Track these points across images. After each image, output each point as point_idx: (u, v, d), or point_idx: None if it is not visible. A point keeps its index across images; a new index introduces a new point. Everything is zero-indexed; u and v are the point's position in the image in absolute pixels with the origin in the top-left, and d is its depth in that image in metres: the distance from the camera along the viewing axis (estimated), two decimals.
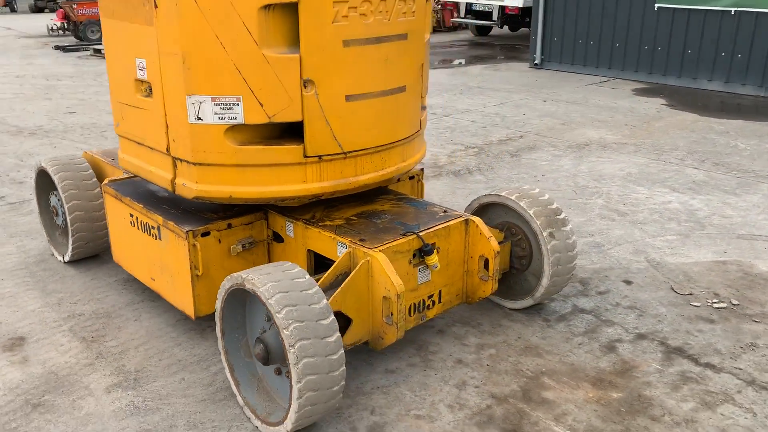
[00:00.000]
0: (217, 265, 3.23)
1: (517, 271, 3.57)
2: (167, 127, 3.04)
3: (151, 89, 3.08)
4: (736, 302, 3.76)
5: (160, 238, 3.32)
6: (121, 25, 3.16)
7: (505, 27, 16.09)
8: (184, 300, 3.25)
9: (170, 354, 3.26)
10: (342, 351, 2.52)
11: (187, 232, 3.10)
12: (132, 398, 2.92)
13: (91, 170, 4.10)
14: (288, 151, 2.97)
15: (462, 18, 16.27)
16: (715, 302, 3.76)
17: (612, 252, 4.41)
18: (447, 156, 6.65)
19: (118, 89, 3.35)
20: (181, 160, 3.05)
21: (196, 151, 2.97)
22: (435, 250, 3.09)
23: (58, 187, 3.96)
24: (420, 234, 3.06)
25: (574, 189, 5.65)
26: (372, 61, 3.02)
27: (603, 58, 11.23)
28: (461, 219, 3.25)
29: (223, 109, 2.87)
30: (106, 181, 3.77)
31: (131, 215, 3.51)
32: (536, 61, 12.05)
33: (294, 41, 2.84)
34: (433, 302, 3.23)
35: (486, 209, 3.70)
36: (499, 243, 3.47)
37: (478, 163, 6.41)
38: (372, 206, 3.40)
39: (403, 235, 3.04)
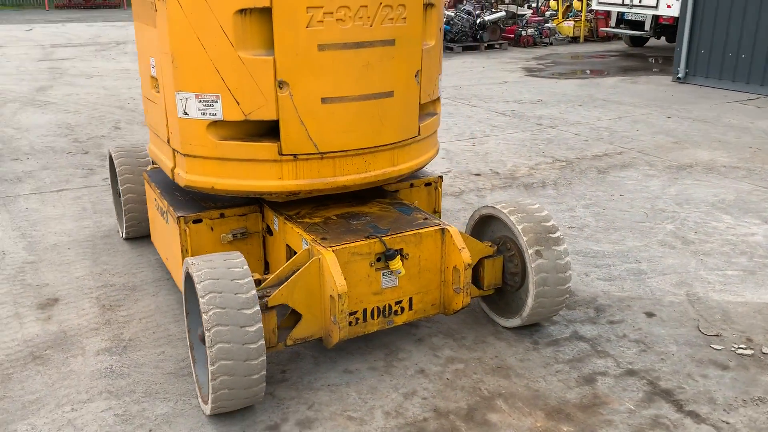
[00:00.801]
0: (209, 251, 3.46)
1: (510, 288, 3.44)
2: (167, 120, 3.32)
3: (158, 85, 3.39)
4: (767, 351, 3.32)
5: (167, 222, 3.62)
6: (141, 26, 3.51)
7: (663, 38, 15.06)
8: (179, 280, 3.52)
9: (165, 329, 3.54)
10: (262, 342, 2.62)
11: (178, 217, 3.36)
12: (112, 362, 3.24)
13: (149, 157, 4.54)
14: (264, 148, 3.12)
15: (613, 28, 15.47)
16: (741, 348, 3.35)
17: (651, 281, 4.06)
18: (528, 168, 6.44)
19: (143, 84, 3.71)
20: (176, 151, 3.32)
21: (184, 143, 3.22)
22: (399, 256, 3.08)
23: (117, 170, 4.44)
24: (383, 238, 3.07)
25: (648, 212, 5.24)
26: (350, 65, 3.08)
27: (755, 74, 10.17)
28: (436, 228, 3.21)
29: (205, 105, 3.09)
30: (147, 168, 4.17)
31: (155, 200, 3.87)
32: (679, 75, 11.18)
33: (270, 44, 2.98)
34: (402, 309, 3.21)
35: (488, 222, 3.60)
36: (489, 257, 3.39)
37: (558, 177, 6.14)
38: (359, 208, 3.45)
39: (367, 237, 3.07)
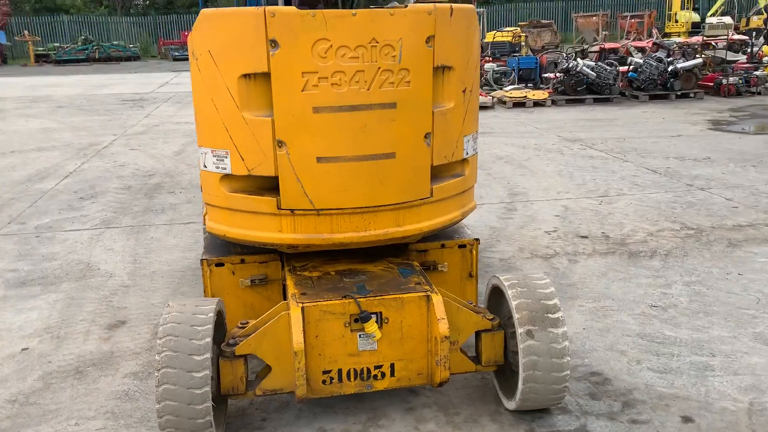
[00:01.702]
0: (230, 293, 3.69)
1: (514, 366, 3.20)
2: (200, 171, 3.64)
3: None
4: None
5: None
6: None
7: None
8: None
9: None
10: (207, 388, 2.75)
11: (202, 260, 3.64)
12: (131, 386, 3.57)
13: None
14: (265, 202, 3.28)
15: None
16: None
17: (713, 380, 3.50)
18: (647, 234, 5.87)
19: None
20: (205, 201, 3.62)
21: (205, 193, 3.50)
22: (374, 319, 3.04)
23: None
24: (359, 300, 3.05)
25: (762, 298, 4.50)
26: (345, 127, 3.14)
27: None
28: (420, 294, 3.11)
29: (218, 159, 3.34)
30: None
31: None
32: None
33: (270, 106, 3.15)
34: (383, 374, 3.14)
35: (502, 293, 3.39)
36: (488, 332, 3.20)
37: (675, 247, 5.52)
38: (363, 266, 3.45)
39: (344, 297, 3.07)
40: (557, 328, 3.00)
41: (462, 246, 3.84)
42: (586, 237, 5.84)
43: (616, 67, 15.24)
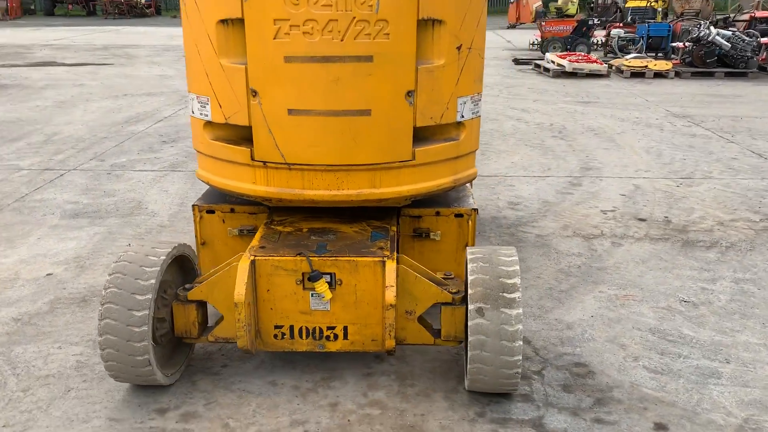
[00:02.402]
0: (220, 241, 3.73)
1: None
2: None
3: None
4: None
5: None
6: None
7: None
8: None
9: None
10: (146, 327, 2.81)
11: (193, 205, 3.70)
12: None
13: None
14: (240, 152, 3.26)
15: None
16: None
17: (712, 390, 3.10)
18: (717, 222, 5.28)
19: None
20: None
21: (194, 139, 3.53)
22: (324, 280, 2.95)
23: None
24: (312, 258, 2.97)
25: None
26: (317, 79, 3.02)
27: None
28: (375, 259, 2.97)
29: (201, 106, 3.35)
30: None
31: None
32: None
33: (244, 53, 3.10)
34: (336, 336, 3.06)
35: None
36: (449, 305, 3.02)
37: (743, 240, 4.92)
38: (337, 225, 3.36)
39: (298, 255, 3.01)
40: (511, 309, 2.77)
41: (459, 215, 3.63)
42: (644, 220, 5.34)
43: (757, 38, 13.69)
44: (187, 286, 3.10)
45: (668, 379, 3.19)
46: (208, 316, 3.22)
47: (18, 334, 3.57)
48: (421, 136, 3.28)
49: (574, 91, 11.87)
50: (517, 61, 16.01)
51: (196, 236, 3.73)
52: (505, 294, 2.80)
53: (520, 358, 2.78)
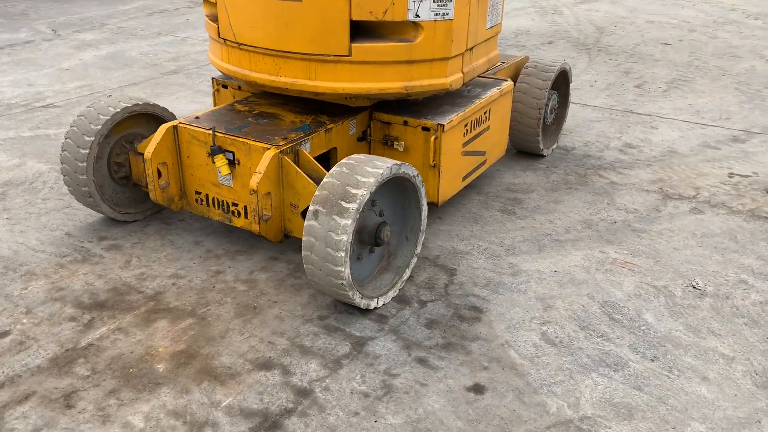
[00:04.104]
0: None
1: None
2: None
3: None
4: None
5: None
6: None
7: None
8: None
9: None
10: (84, 164, 3.32)
11: (212, 79, 4.06)
12: None
13: None
14: (213, 28, 3.49)
15: None
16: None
17: (582, 383, 2.58)
18: None
19: None
20: None
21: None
22: (223, 156, 3.12)
23: None
24: (217, 134, 3.14)
25: None
26: None
27: None
28: (264, 145, 3.02)
29: None
30: None
31: None
32: None
33: None
34: (239, 213, 3.24)
35: None
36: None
37: None
38: (289, 114, 3.43)
39: (209, 129, 3.19)
40: (342, 218, 2.63)
41: (426, 129, 3.40)
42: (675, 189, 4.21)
43: None
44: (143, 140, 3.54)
45: (554, 351, 2.71)
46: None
47: None
48: (363, 32, 3.12)
49: None
50: None
51: (213, 104, 4.11)
52: (342, 202, 2.66)
53: (342, 268, 2.65)
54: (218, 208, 3.31)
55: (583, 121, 5.46)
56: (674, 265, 3.37)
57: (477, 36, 3.49)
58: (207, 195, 3.33)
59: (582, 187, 4.22)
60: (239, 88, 3.94)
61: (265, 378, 2.53)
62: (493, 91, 3.86)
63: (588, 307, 3.01)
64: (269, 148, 3.01)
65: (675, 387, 2.54)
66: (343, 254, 2.64)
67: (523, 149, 4.66)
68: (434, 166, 3.44)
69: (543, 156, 4.68)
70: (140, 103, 3.52)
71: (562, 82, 4.78)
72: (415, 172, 2.97)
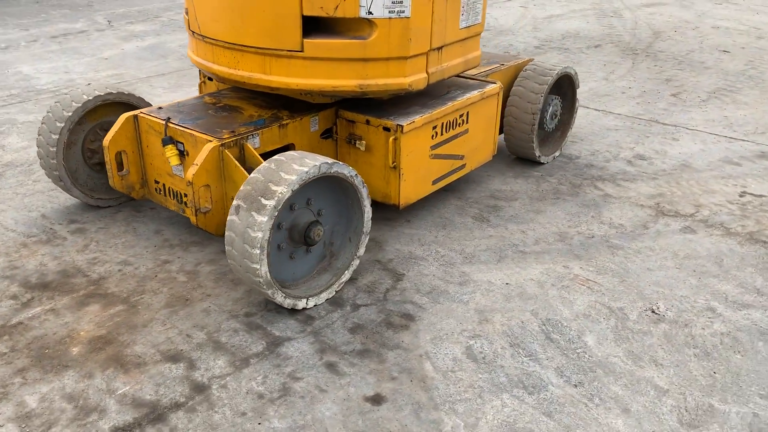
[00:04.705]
0: None
1: None
2: None
3: None
4: None
5: None
6: None
7: None
8: None
9: None
10: (54, 148, 3.44)
11: (200, 71, 4.11)
12: None
13: None
14: (186, 21, 3.53)
15: None
16: None
17: (487, 404, 2.44)
18: None
19: None
20: None
21: None
22: (173, 146, 3.15)
23: None
24: (169, 125, 3.17)
25: None
26: None
27: None
28: (206, 137, 3.03)
29: None
30: None
31: None
32: None
33: None
34: (188, 204, 3.26)
35: None
36: None
37: None
38: (251, 108, 3.43)
39: (164, 119, 3.23)
40: (260, 215, 2.60)
41: (387, 129, 3.31)
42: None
43: None
44: None
45: (473, 367, 2.58)
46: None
47: None
48: (316, 27, 3.07)
49: None
50: None
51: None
52: (261, 198, 2.63)
53: (258, 266, 2.62)
54: (173, 198, 3.35)
55: (600, 129, 5.20)
56: (640, 287, 3.14)
57: (446, 36, 3.37)
58: (164, 185, 3.37)
59: (571, 198, 4.01)
60: (223, 80, 3.97)
61: (169, 370, 2.54)
62: (473, 94, 3.72)
63: (527, 323, 2.85)
64: (211, 141, 3.01)
65: (589, 417, 2.36)
66: (258, 251, 2.61)
67: (520, 155, 4.47)
68: (394, 168, 3.35)
69: (541, 163, 4.48)
70: (114, 92, 3.61)
71: (567, 87, 4.56)
72: (353, 173, 2.90)
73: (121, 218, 3.67)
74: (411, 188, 3.47)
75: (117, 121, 3.32)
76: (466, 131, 3.76)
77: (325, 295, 2.97)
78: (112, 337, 2.72)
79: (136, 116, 3.34)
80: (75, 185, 3.62)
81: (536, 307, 2.97)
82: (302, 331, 2.78)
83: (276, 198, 2.61)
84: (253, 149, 3.09)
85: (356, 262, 3.10)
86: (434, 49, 3.34)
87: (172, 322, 2.82)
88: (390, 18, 3.06)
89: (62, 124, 3.46)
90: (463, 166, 3.84)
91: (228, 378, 2.51)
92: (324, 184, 2.92)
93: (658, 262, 3.35)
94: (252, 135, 3.13)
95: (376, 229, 3.61)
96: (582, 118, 5.43)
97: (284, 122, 3.28)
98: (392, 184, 3.40)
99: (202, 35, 3.32)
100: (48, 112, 3.53)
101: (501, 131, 4.38)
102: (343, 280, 3.05)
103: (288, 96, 3.43)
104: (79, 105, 3.48)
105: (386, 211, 3.75)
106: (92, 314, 2.85)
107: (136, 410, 2.34)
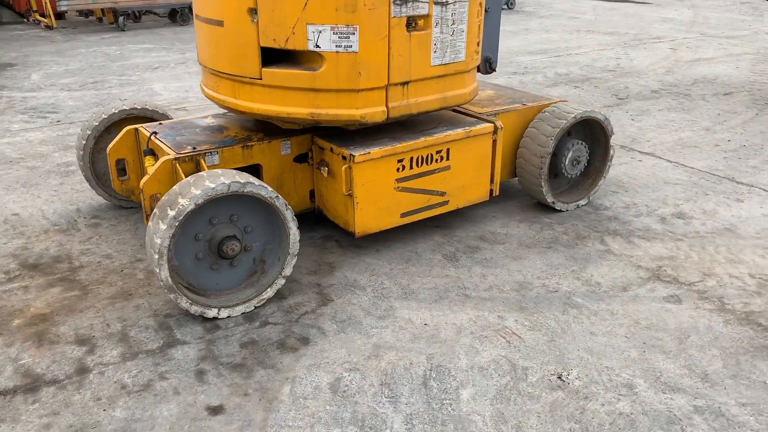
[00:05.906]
0: None
1: None
2: None
3: None
4: None
5: None
6: None
7: None
8: None
9: None
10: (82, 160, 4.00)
11: None
12: None
13: None
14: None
15: None
16: None
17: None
18: None
19: None
20: None
21: None
22: (151, 157, 3.52)
23: None
24: (153, 138, 3.55)
25: None
26: None
27: None
28: (171, 151, 3.34)
29: None
30: None
31: None
32: None
33: None
34: None
35: None
36: None
37: None
38: (241, 131, 3.69)
39: (150, 132, 3.61)
40: (162, 223, 2.84)
41: (344, 158, 3.41)
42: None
43: None
44: None
45: (327, 398, 2.58)
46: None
47: None
48: (273, 57, 3.27)
49: None
50: None
51: None
52: (168, 208, 2.87)
53: (158, 270, 2.86)
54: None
55: (657, 181, 4.75)
56: (567, 350, 2.88)
57: (411, 72, 3.38)
58: (160, 193, 3.75)
59: (564, 250, 3.76)
60: None
61: (71, 351, 2.86)
62: (456, 131, 3.67)
63: (414, 366, 2.77)
64: (168, 154, 3.33)
65: None
66: (157, 257, 2.85)
67: (534, 198, 4.26)
68: (350, 195, 3.43)
69: (558, 210, 4.23)
70: (139, 107, 4.10)
71: (599, 133, 4.26)
72: (272, 194, 3.04)
73: (133, 219, 4.14)
74: (370, 218, 3.51)
75: (121, 133, 3.79)
76: (448, 168, 3.71)
77: (241, 309, 3.13)
78: (50, 316, 3.12)
79: (136, 129, 3.78)
80: (99, 185, 4.16)
81: (436, 352, 2.86)
82: (200, 338, 2.96)
83: (177, 209, 2.84)
84: (205, 165, 3.35)
85: (281, 281, 3.22)
86: (396, 84, 3.37)
87: (105, 312, 3.15)
88: (337, 52, 3.17)
89: (90, 132, 4.01)
90: (446, 202, 3.78)
91: (110, 366, 2.77)
92: (253, 203, 3.09)
93: (608, 328, 3.04)
94: (211, 152, 3.40)
95: (340, 254, 3.69)
96: (646, 168, 5.00)
97: (250, 144, 3.51)
98: (350, 212, 3.48)
99: (201, 63, 3.68)
100: (84, 122, 4.11)
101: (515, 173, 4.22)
102: (265, 297, 3.18)
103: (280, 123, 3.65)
104: (106, 117, 4.02)
105: (363, 239, 3.81)
106: (51, 295, 3.29)
107: (21, 379, 2.68)
